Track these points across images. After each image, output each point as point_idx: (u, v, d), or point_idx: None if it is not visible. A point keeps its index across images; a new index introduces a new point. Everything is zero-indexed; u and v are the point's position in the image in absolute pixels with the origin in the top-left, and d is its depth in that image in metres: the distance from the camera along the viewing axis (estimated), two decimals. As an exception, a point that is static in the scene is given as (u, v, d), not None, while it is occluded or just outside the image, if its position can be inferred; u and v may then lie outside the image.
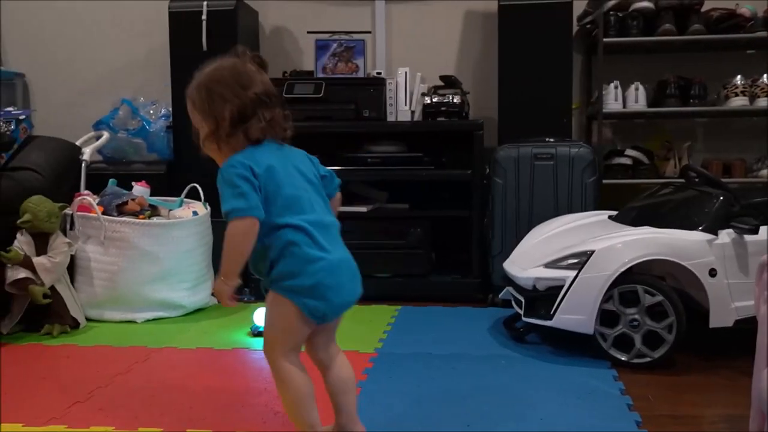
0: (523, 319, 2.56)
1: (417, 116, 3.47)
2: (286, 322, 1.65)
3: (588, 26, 3.59)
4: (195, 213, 3.16)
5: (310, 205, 1.67)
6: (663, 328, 2.34)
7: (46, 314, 2.78)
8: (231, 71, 1.67)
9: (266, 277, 1.66)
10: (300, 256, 1.61)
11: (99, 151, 3.55)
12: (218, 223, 2.09)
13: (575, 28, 3.57)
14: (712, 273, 2.34)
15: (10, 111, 3.27)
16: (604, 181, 3.33)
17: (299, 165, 1.71)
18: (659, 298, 2.34)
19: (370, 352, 2.53)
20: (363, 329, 2.83)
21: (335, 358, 1.75)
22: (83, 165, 3.29)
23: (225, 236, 1.60)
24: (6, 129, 3.10)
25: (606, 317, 2.39)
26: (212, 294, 1.63)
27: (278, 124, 1.68)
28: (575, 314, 2.39)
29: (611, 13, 3.44)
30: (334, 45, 3.71)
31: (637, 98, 3.49)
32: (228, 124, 1.64)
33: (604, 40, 3.37)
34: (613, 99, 3.48)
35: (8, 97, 3.95)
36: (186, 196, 3.30)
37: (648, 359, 2.35)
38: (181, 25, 3.52)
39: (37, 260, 2.77)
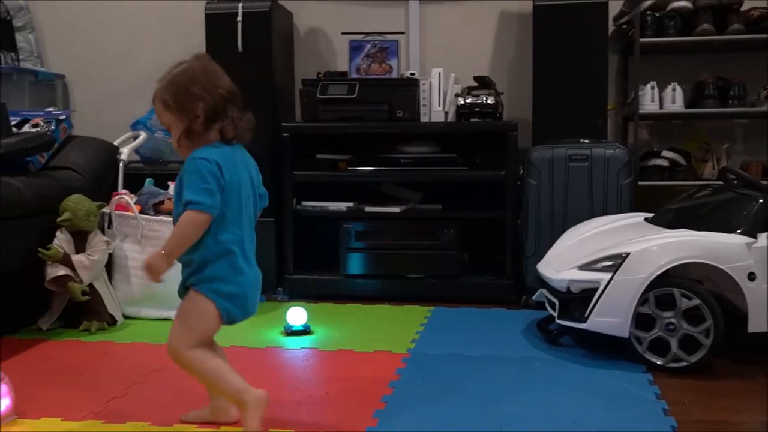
0: (557, 321, 2.54)
1: (450, 117, 3.45)
2: (204, 323, 1.77)
3: (624, 26, 3.55)
4: (230, 212, 3.18)
5: (249, 219, 1.80)
6: (700, 332, 2.30)
7: (84, 311, 2.83)
8: (202, 70, 1.76)
9: (193, 273, 1.76)
10: (234, 265, 1.75)
11: (136, 151, 3.59)
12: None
13: (611, 28, 3.53)
14: (751, 277, 2.30)
15: (50, 111, 3.33)
16: (640, 183, 3.30)
17: (254, 177, 1.83)
18: (696, 301, 2.31)
19: (402, 352, 2.54)
20: (396, 329, 2.84)
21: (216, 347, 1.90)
22: (121, 165, 3.34)
23: (180, 221, 1.70)
24: (47, 129, 3.16)
25: (641, 320, 2.36)
26: (144, 266, 1.71)
27: (249, 124, 1.79)
28: (610, 317, 2.37)
29: (648, 12, 3.39)
30: (368, 46, 3.72)
31: (674, 99, 3.44)
32: (201, 121, 1.73)
33: (641, 40, 3.33)
34: (649, 100, 3.44)
35: (49, 97, 4.03)
36: (221, 196, 3.33)
37: (684, 363, 2.31)
38: (217, 26, 3.55)
39: (76, 258, 2.82)
